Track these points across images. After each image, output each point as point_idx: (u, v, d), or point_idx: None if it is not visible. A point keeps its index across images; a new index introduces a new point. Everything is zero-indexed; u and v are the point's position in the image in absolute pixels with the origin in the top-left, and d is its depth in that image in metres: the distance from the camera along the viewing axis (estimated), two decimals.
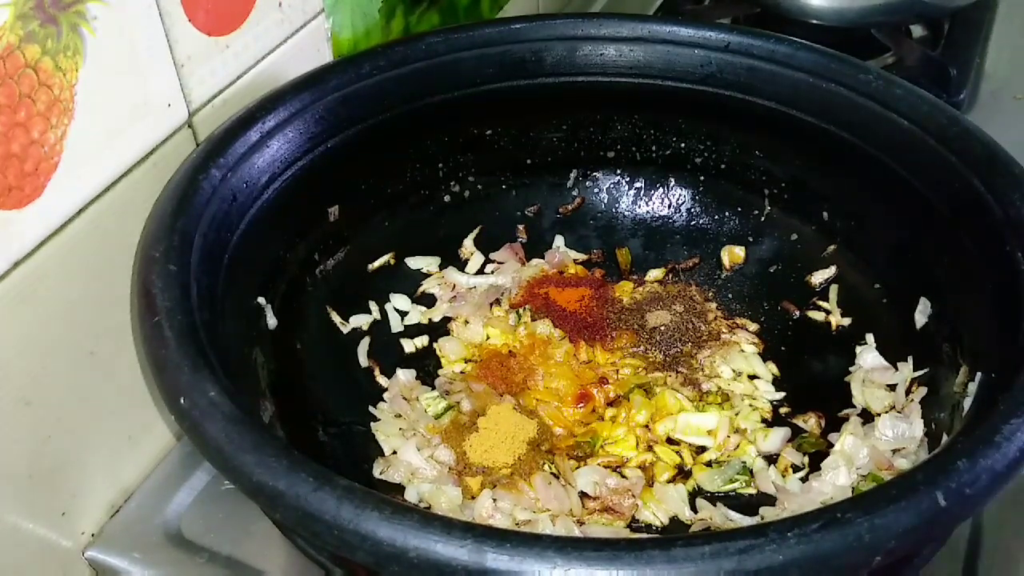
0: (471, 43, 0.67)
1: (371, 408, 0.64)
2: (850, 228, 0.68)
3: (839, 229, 0.69)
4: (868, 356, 0.65)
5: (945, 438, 0.55)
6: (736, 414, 0.64)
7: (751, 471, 0.61)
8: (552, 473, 0.60)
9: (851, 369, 0.65)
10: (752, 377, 0.67)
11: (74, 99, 0.50)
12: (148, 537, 0.59)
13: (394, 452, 0.61)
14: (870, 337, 0.66)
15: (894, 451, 0.59)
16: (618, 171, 0.75)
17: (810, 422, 0.63)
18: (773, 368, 0.67)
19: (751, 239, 0.73)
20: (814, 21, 0.91)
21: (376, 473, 0.60)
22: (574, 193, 0.76)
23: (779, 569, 0.37)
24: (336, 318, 0.67)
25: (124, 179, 0.55)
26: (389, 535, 0.38)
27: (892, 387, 0.63)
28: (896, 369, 0.63)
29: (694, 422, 0.62)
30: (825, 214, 0.69)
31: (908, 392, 0.61)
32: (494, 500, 0.57)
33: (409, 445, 0.61)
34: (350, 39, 0.72)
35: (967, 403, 0.53)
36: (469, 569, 0.37)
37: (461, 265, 0.74)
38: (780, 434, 0.62)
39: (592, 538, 0.54)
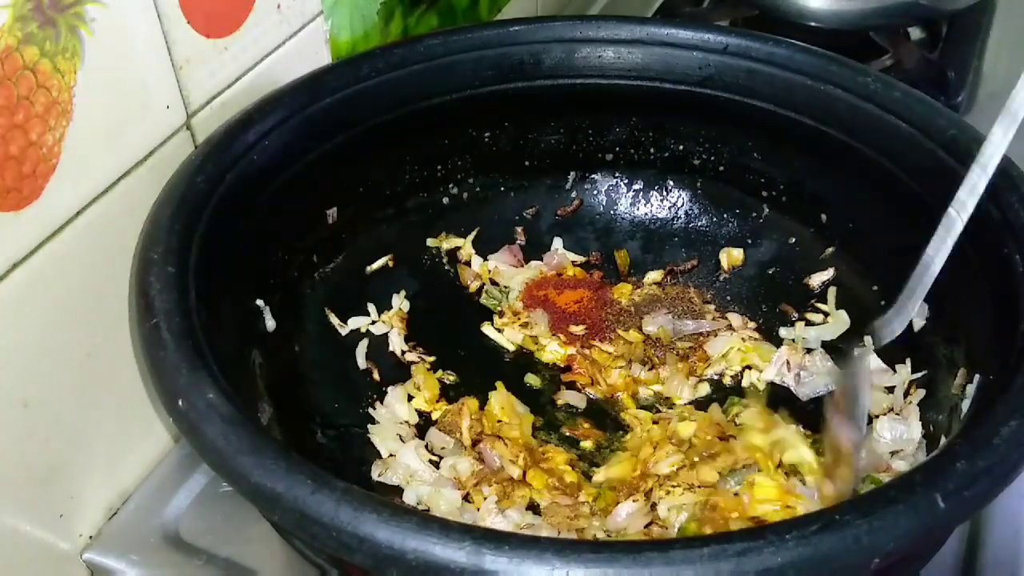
0: (469, 45, 0.67)
1: (370, 410, 0.64)
2: (848, 231, 0.68)
3: (837, 231, 0.69)
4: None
5: (943, 440, 0.56)
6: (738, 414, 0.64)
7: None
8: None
9: None
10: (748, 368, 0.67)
11: (72, 101, 0.50)
12: (146, 539, 0.59)
13: (391, 455, 0.61)
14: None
15: (892, 453, 0.59)
16: (616, 173, 0.75)
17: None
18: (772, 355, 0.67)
19: (750, 241, 0.73)
20: (812, 24, 0.91)
21: (374, 475, 0.60)
22: (572, 195, 0.76)
23: (777, 571, 0.37)
24: (334, 320, 0.67)
25: (122, 181, 0.55)
26: (387, 537, 0.38)
27: (890, 389, 0.63)
28: (894, 371, 0.63)
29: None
30: (823, 216, 0.69)
31: (906, 394, 0.61)
32: (497, 503, 0.57)
33: (408, 448, 0.60)
34: (348, 41, 0.72)
35: (965, 405, 0.53)
36: (467, 571, 0.37)
37: None
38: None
39: (590, 540, 0.54)
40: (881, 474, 0.58)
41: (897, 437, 0.59)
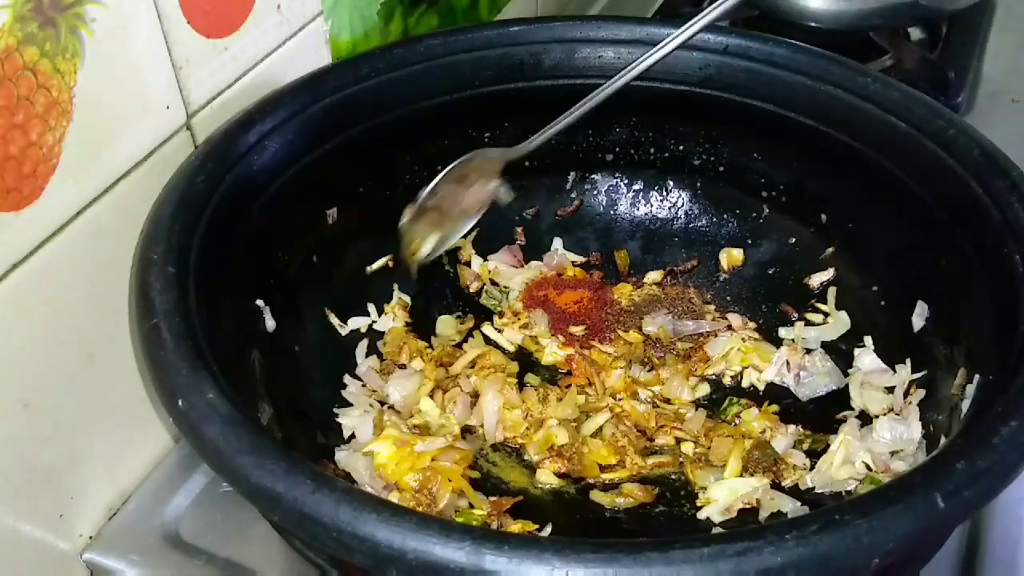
0: (469, 45, 0.67)
1: (342, 391, 0.64)
2: (848, 231, 0.68)
3: (837, 232, 0.69)
4: (866, 359, 0.65)
5: (943, 440, 0.56)
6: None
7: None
8: None
9: (849, 371, 0.65)
10: (748, 368, 0.67)
11: (72, 101, 0.50)
12: (146, 539, 0.59)
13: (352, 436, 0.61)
14: (868, 339, 0.66)
15: (892, 453, 0.59)
16: (616, 173, 0.75)
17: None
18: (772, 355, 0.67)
19: (750, 241, 0.73)
20: (812, 24, 0.91)
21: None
22: (572, 195, 0.76)
23: (777, 571, 0.37)
24: (334, 320, 0.67)
25: (122, 181, 0.55)
26: (387, 537, 0.38)
27: (890, 390, 0.63)
28: (894, 371, 0.63)
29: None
30: (823, 217, 0.69)
31: (906, 395, 0.61)
32: None
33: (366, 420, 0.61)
34: (348, 41, 0.72)
35: (965, 405, 0.53)
36: (467, 571, 0.37)
37: None
38: (787, 440, 0.62)
39: (590, 540, 0.54)
40: (881, 474, 0.58)
41: (897, 437, 0.59)
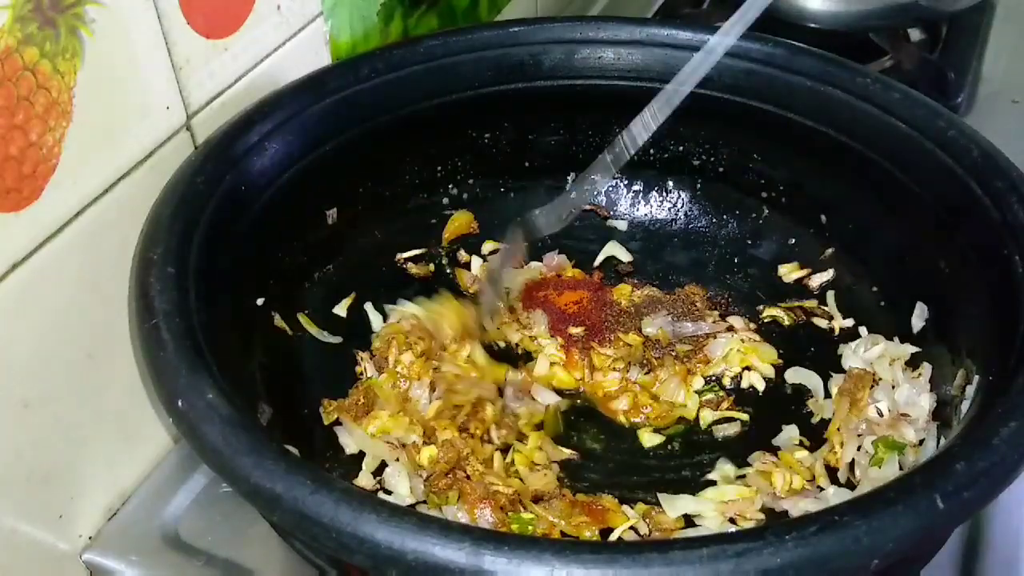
0: (469, 46, 0.67)
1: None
2: (848, 231, 0.68)
3: (837, 232, 0.69)
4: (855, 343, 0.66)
5: (943, 440, 0.56)
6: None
7: None
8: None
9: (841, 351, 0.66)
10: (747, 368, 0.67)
11: (72, 102, 0.50)
12: (146, 540, 0.59)
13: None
14: (863, 329, 0.66)
15: (902, 415, 0.59)
16: (616, 174, 0.75)
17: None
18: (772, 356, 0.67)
19: (750, 241, 0.73)
20: (812, 25, 0.91)
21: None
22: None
23: (777, 572, 0.37)
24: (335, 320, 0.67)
25: (122, 181, 0.55)
26: (387, 538, 0.38)
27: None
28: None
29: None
30: (823, 217, 0.69)
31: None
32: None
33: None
34: (348, 42, 0.72)
35: (965, 406, 0.53)
36: (467, 572, 0.37)
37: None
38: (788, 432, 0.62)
39: (590, 541, 0.54)
40: (889, 432, 0.58)
41: (910, 399, 0.59)
